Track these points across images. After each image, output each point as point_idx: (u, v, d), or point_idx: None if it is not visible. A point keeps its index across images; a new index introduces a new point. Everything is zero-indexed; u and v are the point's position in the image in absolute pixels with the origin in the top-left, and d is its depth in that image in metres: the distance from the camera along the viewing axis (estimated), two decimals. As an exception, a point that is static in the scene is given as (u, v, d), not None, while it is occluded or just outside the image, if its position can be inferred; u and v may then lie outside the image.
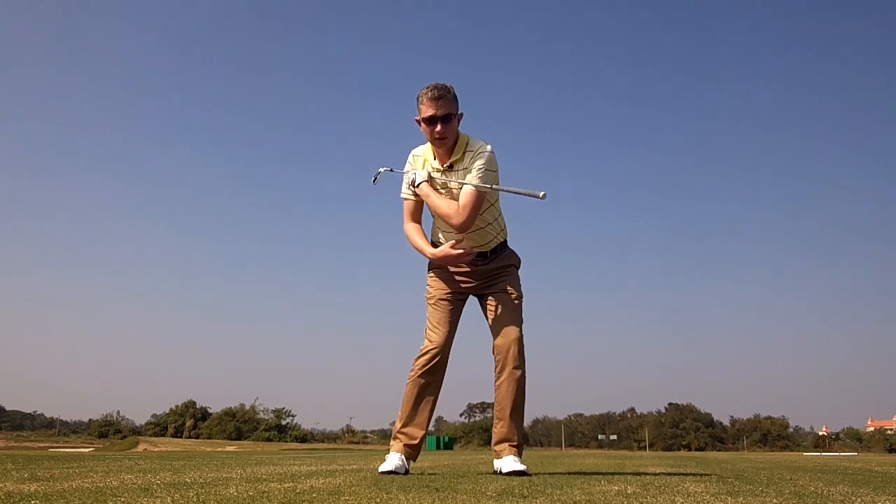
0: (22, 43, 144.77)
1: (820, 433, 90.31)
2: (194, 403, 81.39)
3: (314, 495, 1.86)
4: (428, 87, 2.92)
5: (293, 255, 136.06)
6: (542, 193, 2.85)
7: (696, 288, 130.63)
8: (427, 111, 2.91)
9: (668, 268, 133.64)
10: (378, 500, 1.75)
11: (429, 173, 3.03)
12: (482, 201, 2.96)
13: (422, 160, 3.09)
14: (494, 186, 2.96)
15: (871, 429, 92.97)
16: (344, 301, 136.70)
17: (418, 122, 2.99)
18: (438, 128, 2.92)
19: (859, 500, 2.12)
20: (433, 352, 3.02)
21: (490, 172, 2.95)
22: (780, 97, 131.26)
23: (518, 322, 3.05)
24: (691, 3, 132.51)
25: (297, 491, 1.99)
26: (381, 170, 3.12)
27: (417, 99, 2.96)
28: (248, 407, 76.90)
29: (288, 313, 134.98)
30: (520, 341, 3.00)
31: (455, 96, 2.96)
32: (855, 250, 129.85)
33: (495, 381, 3.02)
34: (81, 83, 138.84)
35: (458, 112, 2.98)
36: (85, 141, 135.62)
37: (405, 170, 3.11)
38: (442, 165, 3.02)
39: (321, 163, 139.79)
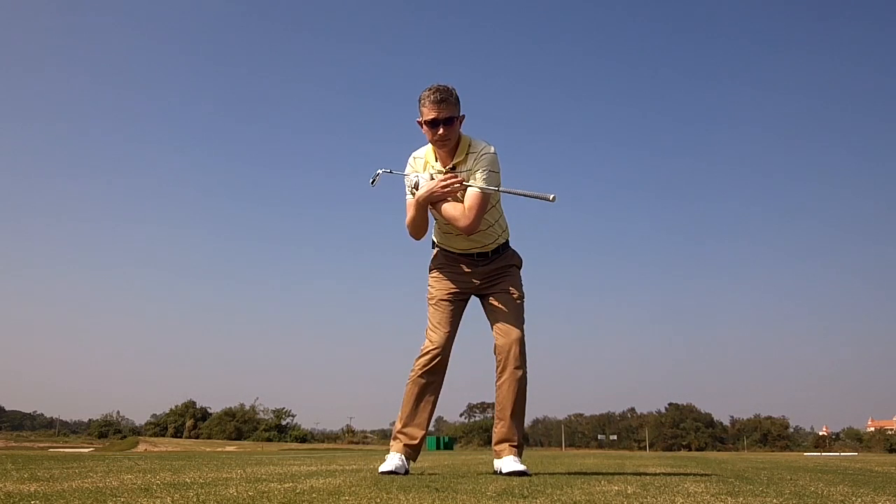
0: (22, 43, 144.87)
1: (820, 433, 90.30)
2: (194, 403, 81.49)
3: (314, 495, 1.86)
4: (430, 90, 2.89)
5: (293, 256, 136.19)
6: (552, 196, 2.84)
7: (696, 288, 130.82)
8: (429, 114, 2.90)
9: (668, 268, 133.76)
10: (378, 500, 1.75)
11: (431, 175, 3.01)
12: (487, 203, 2.96)
13: (423, 162, 3.07)
14: (502, 189, 2.95)
15: (871, 429, 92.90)
16: (344, 301, 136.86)
17: (420, 123, 2.97)
18: (441, 131, 2.90)
19: (859, 500, 2.12)
20: (434, 352, 3.01)
21: (493, 174, 2.95)
22: (780, 97, 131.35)
23: (519, 322, 3.04)
24: (691, 2, 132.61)
25: (297, 491, 1.99)
26: (380, 171, 3.07)
27: (419, 100, 2.94)
28: (248, 407, 77.02)
29: (288, 313, 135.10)
30: (521, 341, 2.99)
31: (457, 98, 2.94)
32: (855, 250, 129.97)
33: (496, 382, 3.02)
34: (81, 83, 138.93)
35: (460, 114, 2.96)
36: (85, 141, 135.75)
37: (406, 172, 3.09)
38: (444, 167, 3.01)
39: (323, 163, 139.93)
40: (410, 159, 3.11)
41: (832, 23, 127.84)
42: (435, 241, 3.23)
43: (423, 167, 3.06)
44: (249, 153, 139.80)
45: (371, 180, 3.05)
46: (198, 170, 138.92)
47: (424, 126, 2.95)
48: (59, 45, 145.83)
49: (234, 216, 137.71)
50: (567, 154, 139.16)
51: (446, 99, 2.88)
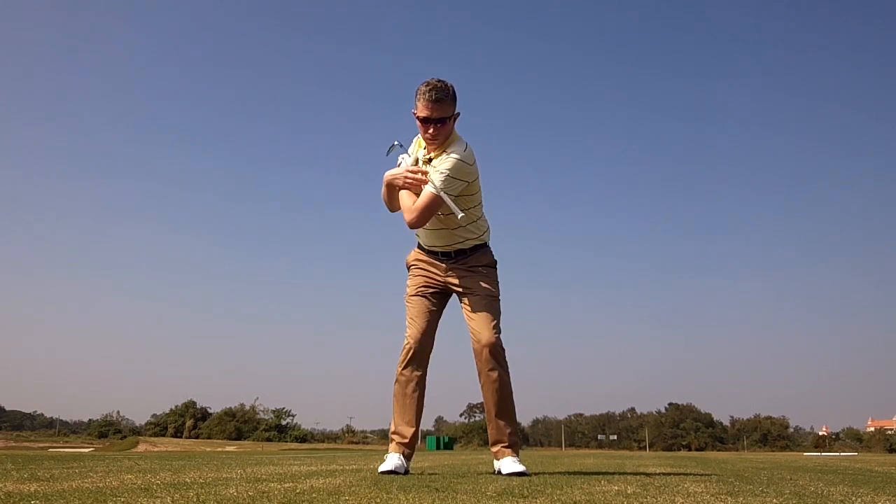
0: (22, 43, 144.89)
1: (820, 433, 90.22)
2: (194, 403, 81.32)
3: (314, 495, 1.85)
4: (428, 86, 2.88)
5: (293, 255, 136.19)
6: (460, 215, 2.88)
7: (695, 287, 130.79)
8: (423, 112, 2.90)
9: (668, 267, 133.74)
10: (378, 500, 1.75)
11: (417, 161, 3.07)
12: (437, 205, 2.93)
13: (416, 145, 3.13)
14: (449, 193, 2.90)
15: (871, 429, 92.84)
16: (344, 301, 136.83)
17: (414, 115, 2.97)
18: (431, 130, 2.93)
19: (859, 500, 2.12)
20: (408, 346, 3.03)
21: (452, 179, 2.91)
22: (780, 97, 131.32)
23: (490, 323, 3.00)
24: (691, 2, 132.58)
25: (297, 491, 1.99)
26: (396, 143, 3.18)
27: (416, 93, 2.93)
28: (248, 407, 76.90)
29: (288, 313, 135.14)
30: (493, 344, 2.96)
31: (454, 96, 2.94)
32: (855, 250, 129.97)
33: (480, 385, 3.02)
34: (81, 83, 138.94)
35: (456, 112, 2.96)
36: (85, 141, 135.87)
37: (409, 150, 3.16)
38: (426, 156, 3.05)
39: (322, 162, 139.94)
40: (417, 136, 3.14)
41: (832, 23, 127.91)
42: (417, 237, 3.24)
43: (417, 148, 3.12)
44: (250, 153, 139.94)
45: (387, 151, 3.18)
46: (198, 169, 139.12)
47: (417, 121, 2.96)
48: (60, 45, 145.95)
49: (235, 216, 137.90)
50: (567, 153, 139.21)
51: (442, 99, 2.88)
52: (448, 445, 41.52)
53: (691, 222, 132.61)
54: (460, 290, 3.09)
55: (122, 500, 1.69)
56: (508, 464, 2.95)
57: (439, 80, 2.91)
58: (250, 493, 1.89)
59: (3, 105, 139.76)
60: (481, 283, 3.08)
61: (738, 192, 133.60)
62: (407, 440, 3.02)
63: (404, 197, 3.02)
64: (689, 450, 76.28)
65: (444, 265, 3.12)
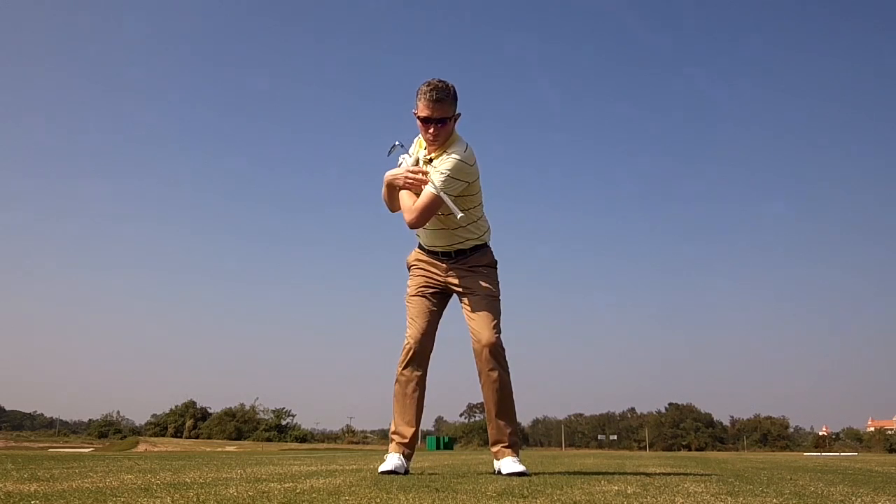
0: (22, 43, 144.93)
1: (820, 433, 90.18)
2: (194, 403, 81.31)
3: (314, 495, 1.86)
4: (429, 86, 2.89)
5: (293, 255, 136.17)
6: (459, 215, 2.88)
7: (696, 287, 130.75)
8: (423, 111, 2.90)
9: (668, 267, 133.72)
10: (378, 500, 1.75)
11: (418, 160, 3.07)
12: (437, 205, 2.93)
13: (417, 145, 3.13)
14: (450, 194, 2.91)
15: (871, 429, 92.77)
16: (344, 301, 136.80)
17: (415, 115, 2.97)
18: (432, 130, 2.92)
19: (859, 500, 2.12)
20: (408, 346, 3.04)
21: (453, 179, 2.91)
22: (780, 97, 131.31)
23: (490, 323, 2.99)
24: (690, 2, 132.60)
25: (297, 491, 1.99)
26: (397, 143, 3.18)
27: (417, 93, 2.93)
28: (248, 407, 76.90)
29: (288, 313, 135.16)
30: (493, 344, 2.96)
31: (455, 96, 2.94)
32: (855, 250, 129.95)
33: (480, 385, 3.02)
34: (81, 83, 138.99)
35: (456, 112, 2.97)
36: (85, 141, 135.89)
37: (410, 151, 3.15)
38: (427, 156, 3.05)
39: (323, 162, 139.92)
40: (417, 136, 3.13)
41: (832, 23, 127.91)
42: (417, 237, 3.24)
43: (418, 148, 3.12)
44: (250, 153, 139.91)
45: (388, 151, 3.17)
46: (198, 169, 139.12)
47: (418, 120, 2.96)
48: (60, 45, 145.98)
49: (234, 215, 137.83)
50: (569, 154, 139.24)
51: (443, 99, 2.88)
52: (448, 445, 41.49)
53: (691, 222, 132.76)
54: (460, 290, 3.09)
55: (122, 500, 1.69)
56: (508, 464, 2.95)
57: (440, 81, 2.91)
58: (250, 493, 1.89)
59: (3, 105, 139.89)
60: (481, 283, 3.07)
61: (738, 192, 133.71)
62: (407, 440, 3.02)
63: (405, 197, 3.02)
64: (689, 450, 76.27)
65: (444, 265, 3.12)
